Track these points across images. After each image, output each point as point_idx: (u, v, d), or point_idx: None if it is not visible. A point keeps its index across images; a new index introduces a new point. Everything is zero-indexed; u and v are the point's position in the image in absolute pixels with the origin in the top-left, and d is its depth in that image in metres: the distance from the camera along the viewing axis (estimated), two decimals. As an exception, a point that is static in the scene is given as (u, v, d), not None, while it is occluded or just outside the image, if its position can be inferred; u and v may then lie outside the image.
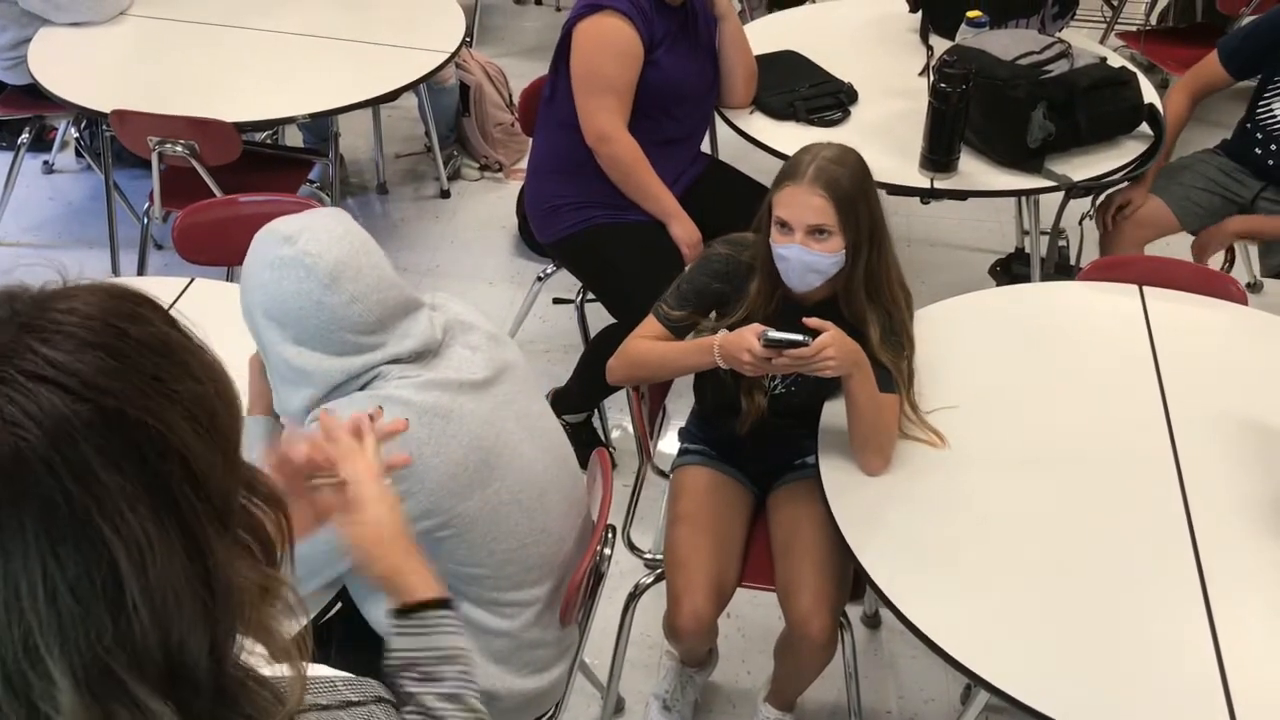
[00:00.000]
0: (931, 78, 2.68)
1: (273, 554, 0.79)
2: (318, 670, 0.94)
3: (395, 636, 1.15)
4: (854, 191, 1.91)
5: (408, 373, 1.58)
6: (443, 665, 1.14)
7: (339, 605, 1.74)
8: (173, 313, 0.77)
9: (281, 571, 0.80)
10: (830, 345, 1.80)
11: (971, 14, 2.99)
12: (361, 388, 1.58)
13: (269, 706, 0.76)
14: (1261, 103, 2.93)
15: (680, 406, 2.59)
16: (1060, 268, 3.30)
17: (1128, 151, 2.81)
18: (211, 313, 1.60)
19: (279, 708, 0.76)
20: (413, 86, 3.29)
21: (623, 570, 2.53)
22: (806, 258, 1.92)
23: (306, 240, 1.54)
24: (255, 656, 0.79)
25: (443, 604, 1.16)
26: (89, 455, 0.66)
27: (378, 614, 1.70)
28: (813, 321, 1.84)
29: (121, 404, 0.67)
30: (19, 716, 0.67)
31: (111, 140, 3.33)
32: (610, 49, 2.61)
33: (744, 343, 1.85)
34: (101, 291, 0.73)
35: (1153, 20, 4.67)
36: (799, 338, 1.80)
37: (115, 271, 3.64)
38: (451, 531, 1.61)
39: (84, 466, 0.65)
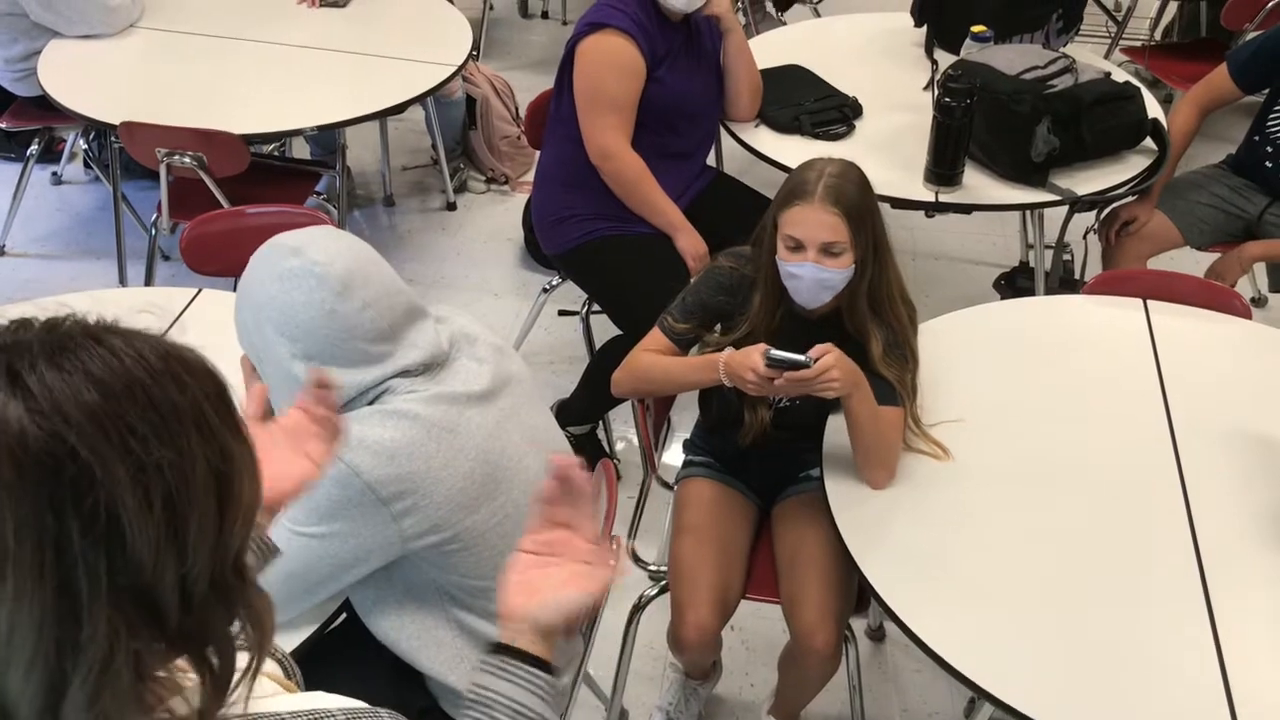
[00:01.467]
0: (936, 92, 2.69)
1: (223, 681, 0.76)
2: (318, 700, 0.91)
3: (484, 673, 1.12)
4: (862, 206, 1.92)
5: (415, 386, 1.58)
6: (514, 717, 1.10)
7: (343, 617, 1.74)
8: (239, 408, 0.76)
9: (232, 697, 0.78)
10: (834, 367, 1.81)
11: (976, 28, 3.00)
12: (370, 402, 1.58)
13: None
14: (1271, 117, 2.93)
15: (685, 419, 2.59)
16: (1064, 282, 3.30)
17: (1132, 166, 2.81)
18: (219, 323, 1.63)
19: None
20: (420, 99, 3.30)
21: (627, 582, 2.53)
22: (820, 275, 1.92)
23: (314, 250, 1.54)
24: (180, 675, 0.76)
25: (543, 665, 1.13)
26: (3, 462, 0.65)
27: (382, 627, 1.70)
28: (817, 350, 1.83)
29: (76, 437, 0.67)
30: None
31: (120, 152, 3.35)
32: (613, 67, 2.62)
33: (748, 362, 1.85)
34: (155, 346, 0.73)
35: (1157, 35, 4.68)
36: (801, 358, 1.81)
37: (123, 283, 3.65)
38: (459, 545, 1.61)
39: None
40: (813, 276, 1.93)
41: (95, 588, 0.68)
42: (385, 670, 1.71)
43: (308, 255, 1.53)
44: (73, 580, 0.67)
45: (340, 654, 1.75)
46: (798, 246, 1.93)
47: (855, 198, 1.91)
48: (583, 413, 3.00)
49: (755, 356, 1.84)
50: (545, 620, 1.13)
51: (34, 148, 3.70)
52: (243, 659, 0.79)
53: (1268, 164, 2.95)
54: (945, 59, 3.14)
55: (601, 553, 1.16)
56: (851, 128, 2.94)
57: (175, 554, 0.71)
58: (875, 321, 1.99)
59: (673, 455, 2.74)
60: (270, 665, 0.97)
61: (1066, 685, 1.62)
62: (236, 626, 0.78)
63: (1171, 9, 4.62)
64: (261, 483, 0.78)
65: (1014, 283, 3.50)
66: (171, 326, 2.22)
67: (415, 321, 1.62)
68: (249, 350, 1.60)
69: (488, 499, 1.62)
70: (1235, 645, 1.67)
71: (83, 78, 3.24)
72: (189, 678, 0.76)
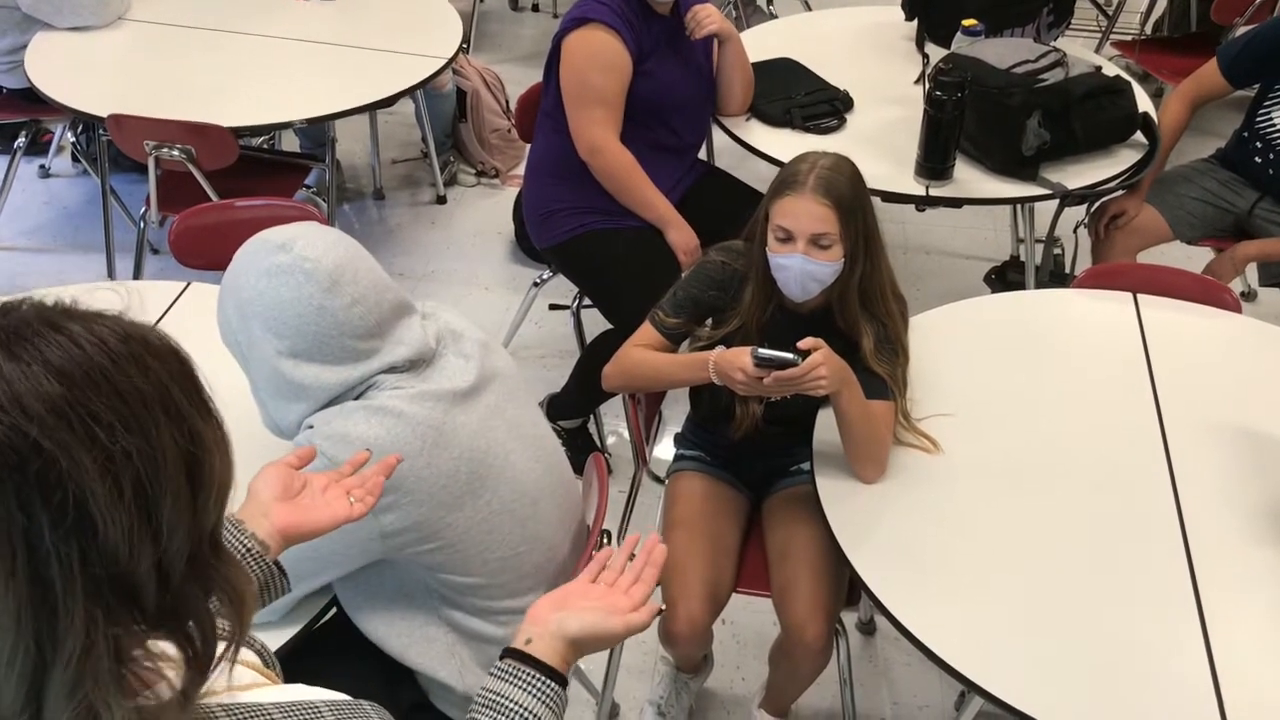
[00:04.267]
0: (927, 86, 2.69)
1: (205, 658, 0.76)
2: (301, 693, 0.90)
3: (494, 677, 1.14)
4: (853, 200, 1.92)
5: (401, 383, 1.57)
6: None
7: (332, 612, 1.74)
8: (199, 373, 0.75)
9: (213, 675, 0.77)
10: (822, 364, 1.81)
11: (967, 22, 3.00)
12: (356, 398, 1.58)
13: None
14: (1261, 112, 2.94)
15: (676, 412, 2.59)
16: (1055, 275, 3.31)
17: (1122, 160, 2.82)
18: (207, 317, 1.62)
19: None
20: (410, 92, 3.29)
21: (618, 576, 2.53)
22: (809, 267, 1.92)
23: (302, 246, 1.52)
24: (163, 661, 0.75)
25: (556, 676, 1.14)
26: None
27: (371, 625, 1.70)
28: (806, 342, 1.84)
29: (37, 429, 0.66)
30: None
31: (108, 144, 3.33)
32: (597, 62, 2.62)
33: (737, 362, 1.85)
34: (115, 328, 0.71)
35: (1147, 30, 4.69)
36: (790, 356, 1.80)
37: (111, 276, 3.64)
38: (443, 542, 1.60)
39: None
40: (800, 268, 1.93)
41: (69, 579, 0.67)
42: (374, 666, 1.71)
43: (296, 251, 1.52)
44: (46, 573, 0.67)
45: (328, 650, 1.75)
46: (787, 237, 1.93)
47: (846, 191, 1.91)
48: (574, 407, 2.99)
49: (744, 357, 1.84)
50: (569, 629, 1.14)
51: (21, 140, 3.67)
52: (223, 645, 0.78)
53: (1256, 159, 2.96)
54: (936, 53, 3.14)
55: (644, 603, 1.20)
56: (843, 121, 2.94)
57: (150, 539, 0.71)
58: (866, 317, 1.99)
59: (664, 449, 2.74)
60: (249, 655, 0.96)
61: (1056, 678, 1.62)
62: (216, 603, 0.77)
63: (1162, 3, 4.63)
64: (233, 459, 0.77)
65: (1004, 277, 3.51)
66: (162, 318, 2.21)
67: (402, 318, 1.61)
68: (232, 348, 1.59)
69: (472, 497, 1.61)
70: (1223, 638, 1.68)
71: (70, 70, 3.22)
72: (170, 666, 0.76)
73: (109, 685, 0.70)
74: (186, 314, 2.26)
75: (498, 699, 1.11)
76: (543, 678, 1.13)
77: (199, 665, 0.75)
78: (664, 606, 2.40)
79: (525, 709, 1.10)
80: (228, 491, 0.77)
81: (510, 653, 1.15)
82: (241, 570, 0.79)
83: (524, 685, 1.12)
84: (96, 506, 0.67)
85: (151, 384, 0.71)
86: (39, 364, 0.68)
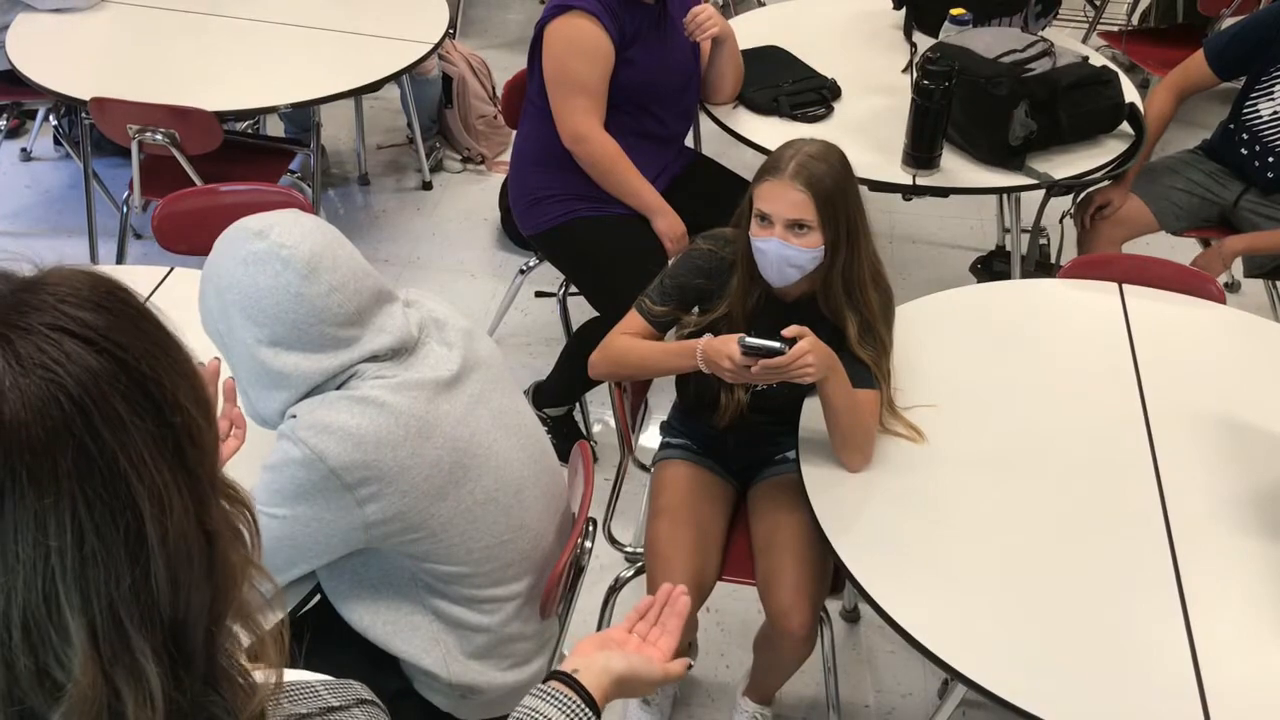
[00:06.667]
0: (915, 74, 2.68)
1: (245, 542, 0.80)
2: (297, 675, 0.93)
3: (535, 697, 1.18)
4: (834, 189, 1.91)
5: (384, 372, 1.56)
6: None
7: (316, 599, 1.73)
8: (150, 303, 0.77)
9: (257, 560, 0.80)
10: (809, 352, 1.81)
11: (955, 11, 3.00)
12: (338, 387, 1.57)
13: (243, 698, 0.76)
14: (1247, 104, 2.95)
15: (662, 400, 2.59)
16: (1041, 265, 3.32)
17: (1108, 150, 2.82)
18: (190, 302, 1.61)
19: (250, 700, 0.77)
20: (395, 77, 3.28)
21: (603, 564, 2.53)
22: (785, 252, 1.92)
23: (279, 233, 1.51)
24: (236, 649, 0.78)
25: (594, 707, 1.18)
26: (116, 402, 0.67)
27: (355, 614, 1.70)
28: (791, 330, 1.84)
29: (137, 359, 0.69)
30: (29, 676, 0.67)
31: (90, 128, 3.31)
32: (579, 49, 2.60)
33: (725, 349, 1.86)
34: (84, 273, 0.74)
35: (1134, 20, 4.69)
36: (776, 345, 1.81)
37: (94, 260, 3.61)
38: (427, 531, 1.60)
39: (113, 412, 0.67)
40: (777, 253, 1.93)
41: (201, 475, 0.72)
42: (357, 653, 1.70)
43: (272, 238, 1.50)
44: (194, 476, 0.72)
45: (312, 636, 1.74)
46: (766, 221, 1.93)
47: (827, 179, 1.91)
48: (559, 394, 2.99)
49: (732, 345, 1.84)
50: (615, 668, 1.20)
51: (2, 123, 3.64)
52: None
53: (1242, 150, 2.97)
54: (924, 41, 3.14)
55: (672, 652, 1.27)
56: (830, 109, 2.93)
57: (213, 434, 0.75)
58: (850, 305, 1.99)
59: (649, 437, 2.74)
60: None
61: (1039, 667, 1.63)
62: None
63: (1149, -6, 4.63)
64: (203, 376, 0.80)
65: (990, 266, 3.51)
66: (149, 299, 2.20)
67: (383, 305, 1.60)
68: (213, 336, 1.58)
69: (456, 486, 1.60)
70: (1205, 624, 1.69)
71: (53, 52, 3.19)
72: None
73: (237, 591, 0.76)
74: (170, 300, 2.24)
75: (534, 715, 1.16)
76: (584, 706, 1.17)
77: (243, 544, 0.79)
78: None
79: None
80: (214, 406, 0.81)
81: (557, 674, 1.20)
82: (241, 492, 0.82)
83: (565, 709, 1.16)
84: (193, 415, 0.72)
85: (140, 305, 0.74)
86: (76, 309, 0.69)
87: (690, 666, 2.22)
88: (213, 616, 0.73)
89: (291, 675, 0.90)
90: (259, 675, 0.79)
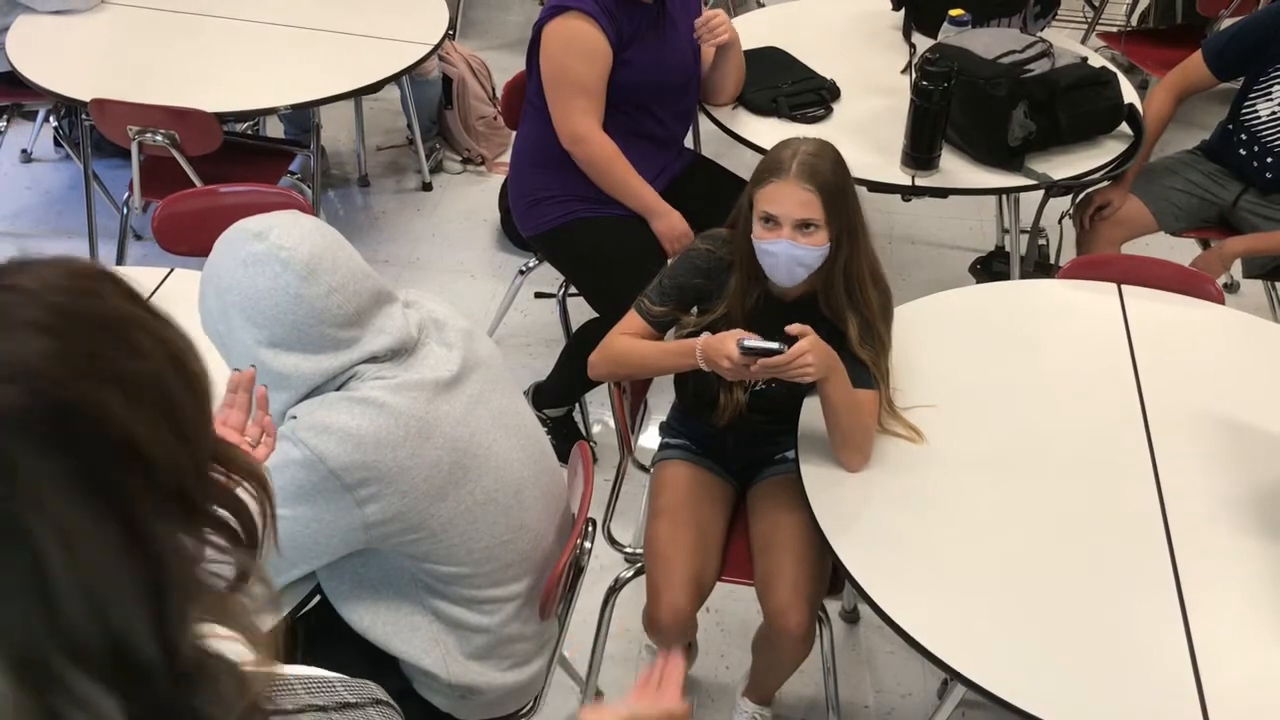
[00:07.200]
0: (914, 75, 2.69)
1: (254, 531, 0.78)
2: (315, 671, 0.93)
3: None
4: (837, 184, 1.92)
5: (384, 373, 1.56)
6: None
7: (316, 599, 1.74)
8: (141, 291, 0.76)
9: (264, 550, 0.79)
10: (808, 351, 1.81)
11: (954, 12, 3.00)
12: (338, 388, 1.57)
13: (230, 694, 0.74)
14: (1246, 104, 2.95)
15: (661, 401, 2.59)
16: (1040, 266, 3.32)
17: (1107, 151, 2.82)
18: (190, 303, 1.61)
19: (240, 696, 0.74)
20: (395, 78, 3.28)
21: (603, 564, 2.53)
22: (795, 252, 1.93)
23: (278, 235, 1.51)
24: (226, 643, 0.77)
25: None
26: (10, 442, 0.64)
27: (355, 614, 1.70)
28: (793, 328, 1.84)
29: (55, 387, 0.65)
30: None
31: (90, 129, 3.31)
32: (576, 50, 2.60)
33: (724, 348, 1.86)
34: (58, 268, 0.71)
35: (1133, 21, 4.70)
36: (775, 346, 1.81)
37: (93, 261, 3.61)
38: (427, 532, 1.60)
39: (2, 454, 0.64)
40: (787, 254, 1.93)
41: (138, 501, 0.68)
42: (357, 653, 1.71)
43: (272, 240, 1.51)
44: (125, 505, 0.68)
45: (312, 636, 1.75)
46: (773, 223, 1.93)
47: (830, 176, 1.91)
48: (559, 395, 2.99)
49: (730, 344, 1.84)
50: (641, 713, 1.24)
51: (2, 124, 3.64)
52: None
53: (1241, 151, 2.97)
54: (923, 42, 3.15)
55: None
56: (829, 110, 2.94)
57: (181, 442, 0.72)
58: (850, 304, 1.99)
59: (649, 438, 2.74)
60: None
61: (1038, 666, 1.63)
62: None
63: (1148, -6, 4.64)
64: (197, 349, 0.77)
65: (989, 267, 3.52)
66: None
67: (383, 306, 1.60)
68: (213, 337, 1.58)
69: (455, 487, 1.61)
70: (1203, 624, 1.69)
71: (53, 53, 3.19)
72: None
73: (203, 594, 0.73)
74: (170, 301, 2.23)
75: None
76: None
77: (250, 540, 0.77)
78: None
79: None
80: (208, 378, 0.77)
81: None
82: (239, 449, 0.80)
83: None
84: (138, 431, 0.68)
85: (115, 304, 0.72)
86: (17, 326, 0.67)
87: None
88: (164, 630, 0.70)
89: (309, 670, 0.91)
90: (251, 665, 0.77)
